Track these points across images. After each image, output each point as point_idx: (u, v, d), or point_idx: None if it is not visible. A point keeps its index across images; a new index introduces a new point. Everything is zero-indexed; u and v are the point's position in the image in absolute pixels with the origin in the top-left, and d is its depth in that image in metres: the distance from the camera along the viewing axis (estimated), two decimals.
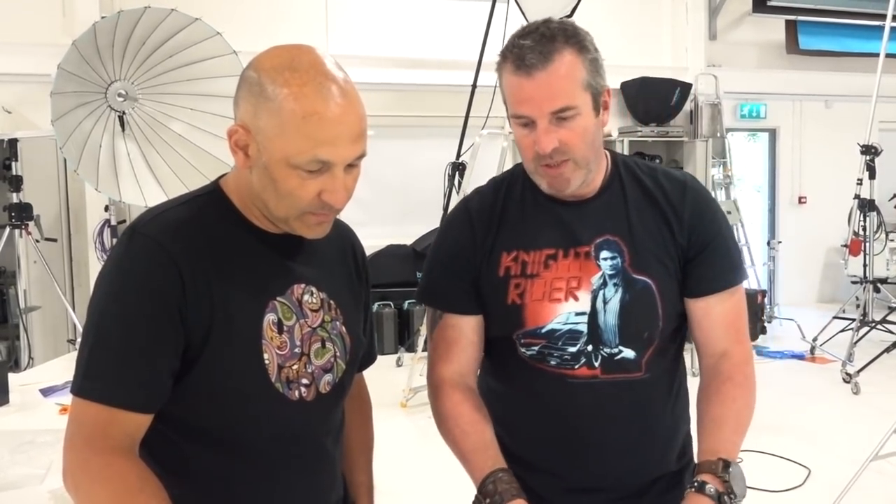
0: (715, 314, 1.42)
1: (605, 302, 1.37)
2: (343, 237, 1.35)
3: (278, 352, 1.15)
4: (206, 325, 1.09)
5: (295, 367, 1.17)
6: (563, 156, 1.31)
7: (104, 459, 1.04)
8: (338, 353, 1.25)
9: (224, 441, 1.15)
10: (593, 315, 1.37)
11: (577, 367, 1.37)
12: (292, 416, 1.18)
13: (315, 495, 1.26)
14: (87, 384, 1.07)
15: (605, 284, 1.37)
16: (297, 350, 1.18)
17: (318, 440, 1.24)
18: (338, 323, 1.26)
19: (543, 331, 1.37)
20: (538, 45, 1.27)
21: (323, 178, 1.10)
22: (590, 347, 1.37)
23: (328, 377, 1.23)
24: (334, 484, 1.30)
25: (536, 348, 1.38)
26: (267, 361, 1.14)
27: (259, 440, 1.16)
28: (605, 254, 1.38)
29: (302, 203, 1.11)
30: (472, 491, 1.35)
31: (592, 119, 1.32)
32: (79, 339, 3.43)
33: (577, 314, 1.37)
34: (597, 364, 1.37)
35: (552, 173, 1.34)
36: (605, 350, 1.37)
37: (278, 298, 1.17)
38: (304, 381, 1.19)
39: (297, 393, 1.17)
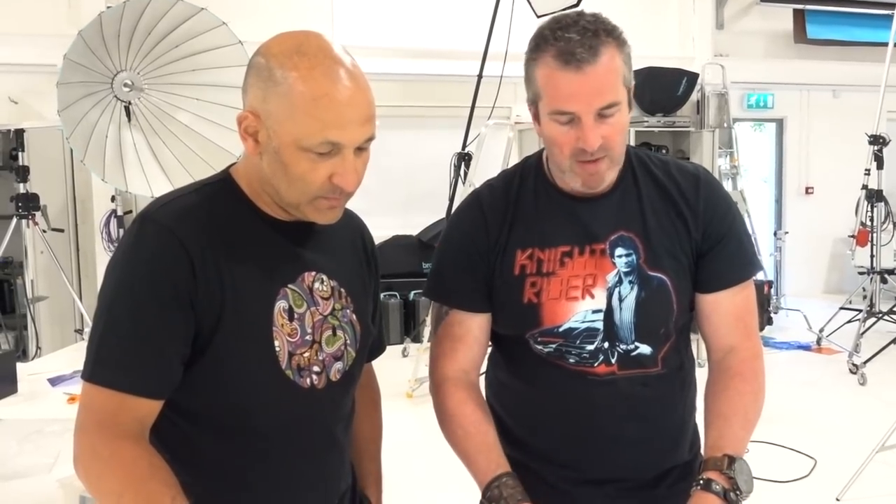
0: (724, 309, 1.41)
1: (620, 299, 1.36)
2: (352, 226, 1.35)
3: (289, 339, 1.16)
4: (216, 312, 1.10)
5: (306, 354, 1.18)
6: (603, 152, 1.29)
7: (114, 445, 1.05)
8: (348, 341, 1.25)
9: (234, 428, 1.15)
10: (609, 313, 1.36)
11: (595, 364, 1.37)
12: (303, 404, 1.18)
13: (324, 483, 1.26)
14: (97, 370, 1.07)
15: (620, 282, 1.36)
16: (307, 337, 1.18)
17: (329, 428, 1.25)
18: (348, 311, 1.26)
19: (561, 329, 1.36)
20: (585, 38, 1.23)
21: (333, 161, 1.10)
22: (606, 345, 1.36)
23: (339, 365, 1.23)
24: (343, 472, 1.31)
25: (553, 346, 1.37)
26: (277, 349, 1.14)
27: (269, 427, 1.17)
28: (619, 251, 1.36)
29: (313, 187, 1.11)
30: None
31: (627, 114, 1.31)
32: (86, 329, 3.46)
33: (594, 312, 1.36)
34: (614, 361, 1.37)
35: (590, 170, 1.31)
36: (622, 347, 1.37)
37: (289, 286, 1.17)
38: (315, 368, 1.19)
39: (308, 381, 1.18)
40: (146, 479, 1.04)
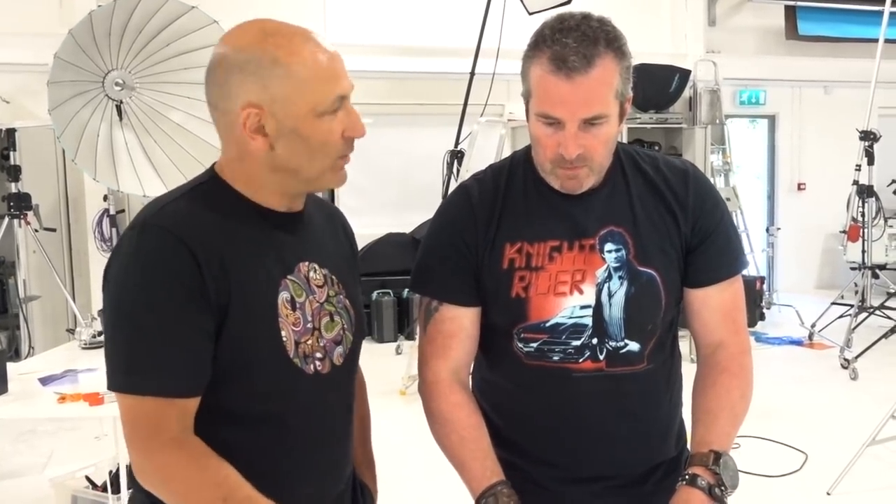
0: (713, 304, 1.42)
1: (610, 295, 1.36)
2: (334, 217, 1.39)
3: (293, 328, 1.18)
4: (223, 307, 1.11)
5: (309, 342, 1.20)
6: (583, 161, 1.29)
7: (173, 457, 1.09)
8: (345, 326, 1.28)
9: (247, 417, 1.17)
10: (598, 309, 1.36)
11: (581, 360, 1.37)
12: (310, 390, 1.21)
13: (335, 467, 1.29)
14: (133, 379, 1.09)
15: (609, 277, 1.36)
16: (309, 325, 1.21)
17: (335, 412, 1.27)
18: (342, 296, 1.29)
19: (547, 325, 1.36)
20: (581, 46, 1.22)
21: (340, 116, 1.16)
22: (595, 341, 1.36)
23: (340, 349, 1.26)
24: (350, 455, 1.34)
25: (535, 344, 1.37)
26: (285, 338, 1.16)
27: (281, 415, 1.19)
28: (609, 246, 1.36)
29: (334, 149, 1.17)
30: None
31: (616, 127, 1.31)
32: (78, 329, 3.44)
33: (582, 307, 1.36)
34: (602, 357, 1.37)
35: (568, 174, 1.32)
36: (611, 343, 1.37)
37: (289, 277, 1.20)
38: (318, 354, 1.22)
39: (312, 367, 1.20)
40: (218, 482, 1.09)
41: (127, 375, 1.09)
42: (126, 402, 1.10)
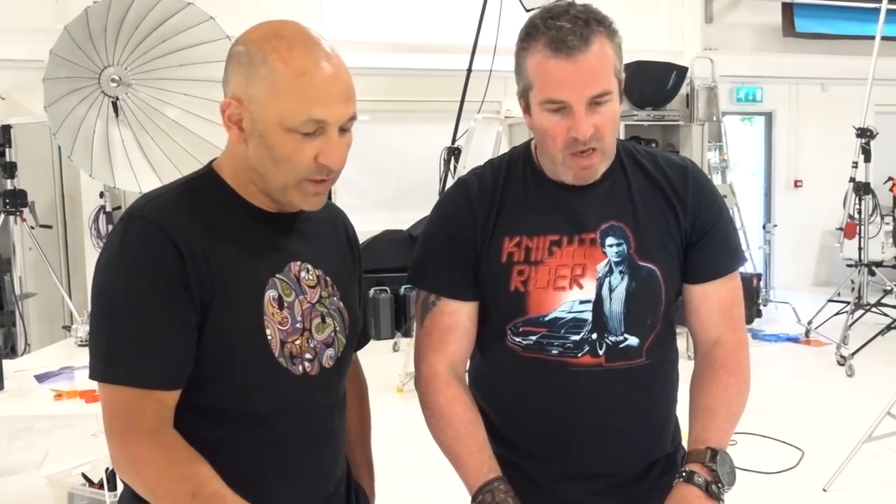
0: (711, 300, 1.42)
1: (610, 290, 1.35)
2: (334, 216, 1.38)
3: (280, 327, 1.17)
4: (206, 302, 1.11)
5: (298, 342, 1.19)
6: (595, 142, 1.29)
7: (146, 448, 1.08)
8: (338, 328, 1.27)
9: (231, 416, 1.16)
10: (598, 303, 1.35)
11: (580, 355, 1.36)
12: (297, 391, 1.20)
13: (322, 469, 1.28)
14: (111, 369, 1.09)
15: (610, 272, 1.36)
16: (298, 325, 1.20)
17: (324, 414, 1.26)
18: (335, 298, 1.27)
19: (546, 319, 1.36)
20: (576, 27, 1.24)
21: (318, 141, 1.12)
22: (594, 336, 1.36)
23: (330, 351, 1.25)
24: (339, 458, 1.32)
25: (534, 338, 1.37)
26: (269, 337, 1.16)
27: (266, 415, 1.18)
28: (610, 240, 1.36)
29: (300, 168, 1.12)
30: None
31: (618, 105, 1.31)
32: (74, 325, 3.44)
33: (582, 302, 1.35)
34: (601, 352, 1.36)
35: (582, 163, 1.31)
36: (611, 338, 1.36)
37: (277, 275, 1.19)
38: (308, 355, 1.21)
39: (300, 367, 1.19)
40: (190, 476, 1.07)
41: (106, 365, 1.09)
42: (105, 391, 1.10)
